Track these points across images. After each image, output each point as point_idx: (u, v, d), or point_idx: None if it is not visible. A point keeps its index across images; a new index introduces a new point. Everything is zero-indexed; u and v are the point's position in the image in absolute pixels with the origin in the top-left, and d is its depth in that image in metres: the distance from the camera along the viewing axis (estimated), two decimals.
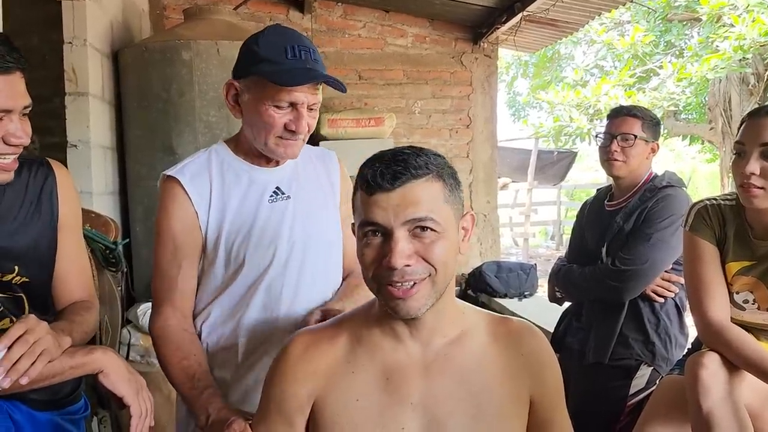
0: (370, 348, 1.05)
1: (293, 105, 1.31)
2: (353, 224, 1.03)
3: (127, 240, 3.13)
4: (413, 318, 0.99)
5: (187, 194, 1.36)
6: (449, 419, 1.01)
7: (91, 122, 2.88)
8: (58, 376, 1.15)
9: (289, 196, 1.42)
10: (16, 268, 1.25)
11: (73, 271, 1.37)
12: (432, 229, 0.95)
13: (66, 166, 2.89)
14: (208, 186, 1.38)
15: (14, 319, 1.24)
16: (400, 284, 0.95)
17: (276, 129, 1.32)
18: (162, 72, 3.07)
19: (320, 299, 1.44)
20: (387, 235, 0.95)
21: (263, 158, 1.42)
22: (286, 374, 1.06)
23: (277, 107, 1.31)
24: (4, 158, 1.18)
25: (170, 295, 1.39)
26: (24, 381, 1.05)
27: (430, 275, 0.96)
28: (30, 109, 1.21)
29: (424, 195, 0.95)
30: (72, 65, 2.84)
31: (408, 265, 0.94)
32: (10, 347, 1.05)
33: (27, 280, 1.27)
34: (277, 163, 1.43)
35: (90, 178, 2.88)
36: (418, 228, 0.95)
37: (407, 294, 0.95)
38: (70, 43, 2.85)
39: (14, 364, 1.04)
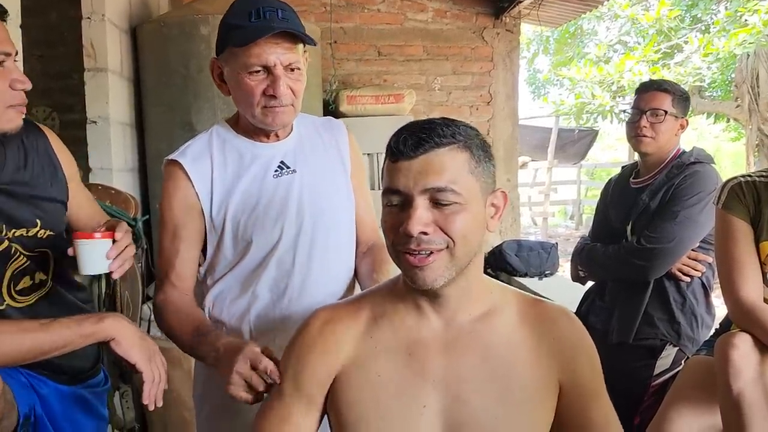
0: (392, 323, 1.03)
1: (267, 69, 1.27)
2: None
3: (147, 217, 3.14)
4: (431, 290, 0.97)
5: (189, 177, 1.35)
6: (472, 398, 0.99)
7: (110, 98, 2.88)
8: (69, 345, 1.16)
9: (294, 170, 1.39)
10: (38, 222, 1.27)
11: (86, 206, 1.44)
12: (453, 200, 0.93)
13: (86, 143, 2.92)
14: (210, 167, 1.36)
15: (34, 277, 1.25)
16: (416, 252, 0.93)
17: (256, 97, 1.29)
18: (180, 47, 3.06)
19: (333, 273, 1.43)
20: (407, 202, 0.94)
21: (263, 133, 1.39)
22: (305, 349, 1.05)
23: (252, 74, 1.27)
24: (16, 109, 1.19)
25: (170, 276, 1.38)
26: (121, 273, 1.23)
27: (447, 247, 0.94)
28: (16, 60, 1.23)
29: (447, 164, 0.93)
30: (90, 41, 2.84)
31: (425, 234, 0.92)
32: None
33: (52, 233, 1.29)
34: (278, 137, 1.40)
35: (110, 154, 2.89)
36: (439, 197, 0.93)
37: (423, 262, 0.94)
38: (88, 18, 2.84)
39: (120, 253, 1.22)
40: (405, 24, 4.38)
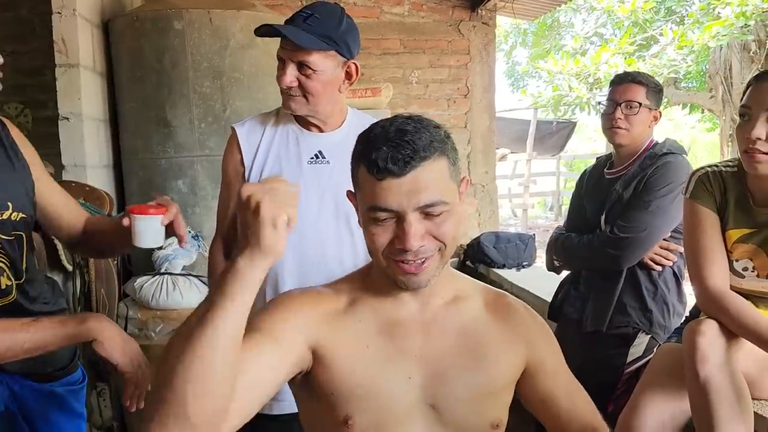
0: (371, 305, 1.06)
1: (282, 60, 1.49)
2: (352, 191, 1.04)
3: (122, 213, 3.11)
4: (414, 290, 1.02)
5: (239, 143, 1.56)
6: (449, 372, 1.04)
7: (82, 94, 2.84)
8: (51, 346, 1.15)
9: (329, 161, 1.54)
10: (10, 204, 1.26)
11: (64, 201, 1.44)
12: (442, 210, 0.96)
13: (58, 139, 2.87)
14: (259, 139, 1.56)
15: (0, 282, 1.24)
16: (412, 262, 0.97)
17: (278, 83, 1.51)
18: (154, 42, 3.02)
19: (349, 265, 1.49)
20: (399, 218, 0.96)
21: (311, 123, 1.56)
22: (285, 307, 1.01)
23: (278, 63, 1.50)
24: None
25: (222, 223, 1.63)
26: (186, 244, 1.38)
27: (439, 250, 0.99)
28: None
29: (433, 177, 0.95)
30: (61, 36, 2.79)
31: (422, 246, 0.96)
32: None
33: (24, 215, 1.29)
34: (322, 130, 1.56)
35: (83, 151, 2.85)
36: (431, 211, 0.96)
37: (418, 270, 0.98)
38: (59, 13, 2.79)
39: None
40: (381, 17, 4.37)
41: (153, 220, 1.29)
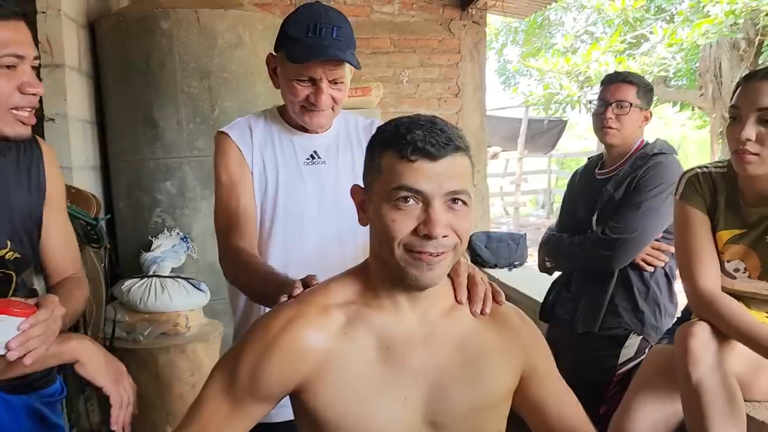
0: (367, 321, 1.02)
1: (313, 80, 1.41)
2: (367, 183, 1.01)
3: (109, 215, 3.08)
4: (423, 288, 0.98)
5: (235, 142, 1.50)
6: (450, 385, 1.02)
7: (68, 95, 2.80)
8: (31, 366, 1.11)
9: (324, 161, 1.53)
10: (9, 243, 1.22)
11: (64, 246, 1.37)
12: (464, 203, 0.96)
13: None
14: (251, 141, 1.51)
15: None
16: (432, 254, 0.94)
17: (299, 100, 1.43)
18: (140, 42, 2.98)
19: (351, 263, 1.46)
20: (425, 203, 0.94)
21: (302, 126, 1.52)
22: (264, 349, 0.98)
23: (299, 81, 1.41)
24: (23, 111, 1.14)
25: (234, 222, 1.46)
26: (28, 361, 1.06)
27: (455, 247, 0.97)
28: (38, 61, 1.18)
29: (462, 169, 0.96)
30: (46, 36, 2.75)
31: (445, 236, 0.94)
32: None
33: (19, 256, 1.24)
34: (316, 131, 1.53)
35: (69, 152, 2.81)
36: (453, 200, 0.95)
37: (434, 261, 0.95)
38: (43, 12, 2.75)
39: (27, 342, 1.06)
40: (371, 16, 4.35)
41: (7, 321, 1.06)
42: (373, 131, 1.50)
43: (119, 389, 1.17)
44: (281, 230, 1.50)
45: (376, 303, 1.02)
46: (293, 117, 1.50)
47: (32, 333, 1.07)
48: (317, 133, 1.53)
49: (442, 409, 1.02)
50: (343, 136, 1.57)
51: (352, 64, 1.40)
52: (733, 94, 1.48)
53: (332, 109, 1.46)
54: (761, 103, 1.39)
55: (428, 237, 0.93)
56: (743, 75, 1.50)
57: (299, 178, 1.51)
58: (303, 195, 1.50)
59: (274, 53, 1.49)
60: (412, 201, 0.94)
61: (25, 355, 1.06)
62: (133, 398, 1.20)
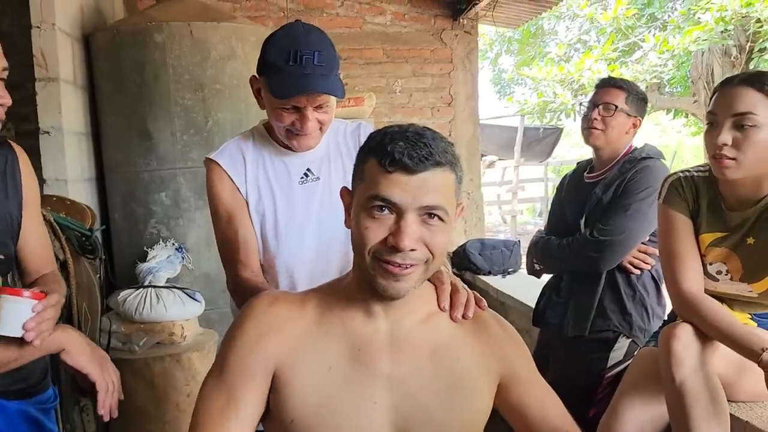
0: (340, 318, 1.03)
1: (297, 107, 1.39)
2: (347, 188, 1.04)
3: (104, 227, 3.09)
4: (391, 298, 0.99)
5: (227, 173, 1.48)
6: (420, 394, 1.02)
7: (63, 108, 2.83)
8: (20, 359, 1.14)
9: (318, 177, 1.51)
10: None
11: (41, 245, 1.39)
12: (440, 219, 0.96)
13: (39, 154, 2.85)
14: (243, 165, 1.50)
15: None
16: (399, 264, 0.95)
17: (285, 125, 1.42)
18: (135, 55, 3.02)
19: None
20: (398, 214, 0.95)
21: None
22: (252, 328, 1.02)
23: (283, 109, 1.39)
24: None
25: (236, 255, 1.47)
26: (37, 343, 1.12)
27: (426, 261, 0.97)
28: (7, 73, 1.21)
29: (441, 184, 0.95)
30: (41, 50, 2.78)
31: (413, 250, 0.94)
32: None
33: (2, 257, 1.27)
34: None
35: (64, 165, 2.83)
36: (428, 215, 0.95)
37: (402, 273, 0.96)
38: (38, 27, 2.78)
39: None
40: (364, 27, 4.40)
41: (22, 303, 1.12)
42: (360, 134, 1.55)
43: (104, 375, 1.20)
44: (285, 250, 1.50)
45: (351, 306, 1.04)
46: (280, 137, 1.49)
47: (46, 315, 1.13)
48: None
49: (413, 416, 1.01)
50: (333, 146, 1.56)
51: (335, 95, 1.38)
52: (710, 100, 1.51)
53: (320, 129, 1.45)
54: (737, 108, 1.42)
55: (395, 249, 0.94)
56: (720, 81, 1.52)
57: (296, 200, 1.50)
58: (302, 215, 1.50)
59: (257, 76, 1.46)
60: (386, 211, 0.95)
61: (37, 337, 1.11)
62: (117, 384, 1.22)
